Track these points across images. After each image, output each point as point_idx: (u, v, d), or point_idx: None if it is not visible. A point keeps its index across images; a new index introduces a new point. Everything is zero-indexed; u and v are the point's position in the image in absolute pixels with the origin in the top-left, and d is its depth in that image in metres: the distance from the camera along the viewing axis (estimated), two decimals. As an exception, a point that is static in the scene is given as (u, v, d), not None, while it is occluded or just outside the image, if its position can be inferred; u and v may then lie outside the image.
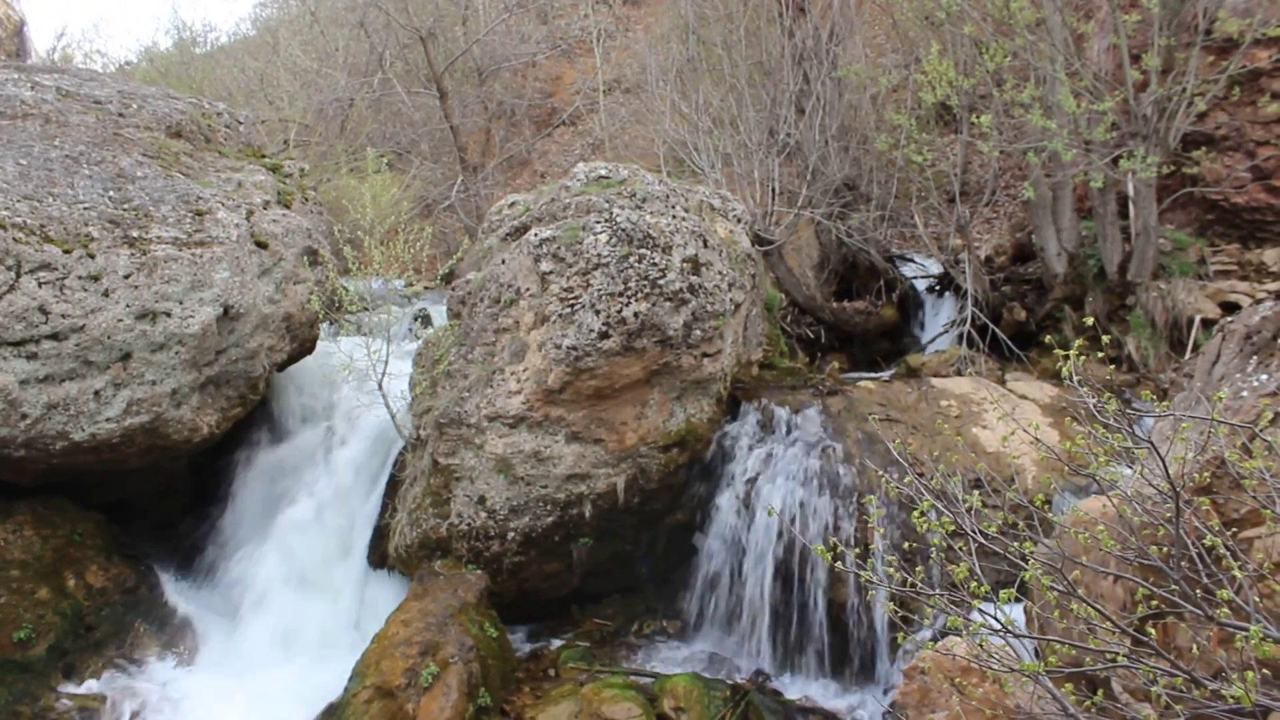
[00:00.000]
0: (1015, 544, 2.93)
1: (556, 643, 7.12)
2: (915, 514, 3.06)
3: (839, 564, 3.22)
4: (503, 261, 6.87)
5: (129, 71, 20.53)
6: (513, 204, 7.68)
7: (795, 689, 6.45)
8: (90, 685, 6.51)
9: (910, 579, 3.07)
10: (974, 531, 2.88)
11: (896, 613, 3.45)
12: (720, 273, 6.80)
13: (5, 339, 6.29)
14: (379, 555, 7.32)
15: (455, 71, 16.12)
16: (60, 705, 6.28)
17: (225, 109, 9.49)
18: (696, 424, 6.87)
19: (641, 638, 7.17)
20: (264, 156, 8.94)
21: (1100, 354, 7.15)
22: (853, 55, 10.81)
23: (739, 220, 7.87)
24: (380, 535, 7.34)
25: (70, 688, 6.46)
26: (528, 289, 6.60)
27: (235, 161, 8.34)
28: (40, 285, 6.35)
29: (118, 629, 6.93)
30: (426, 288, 9.82)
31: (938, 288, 10.68)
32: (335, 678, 6.27)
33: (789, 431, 7.03)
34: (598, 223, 6.57)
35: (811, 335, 10.49)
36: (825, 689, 6.49)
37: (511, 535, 6.72)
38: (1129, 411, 4.35)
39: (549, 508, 6.68)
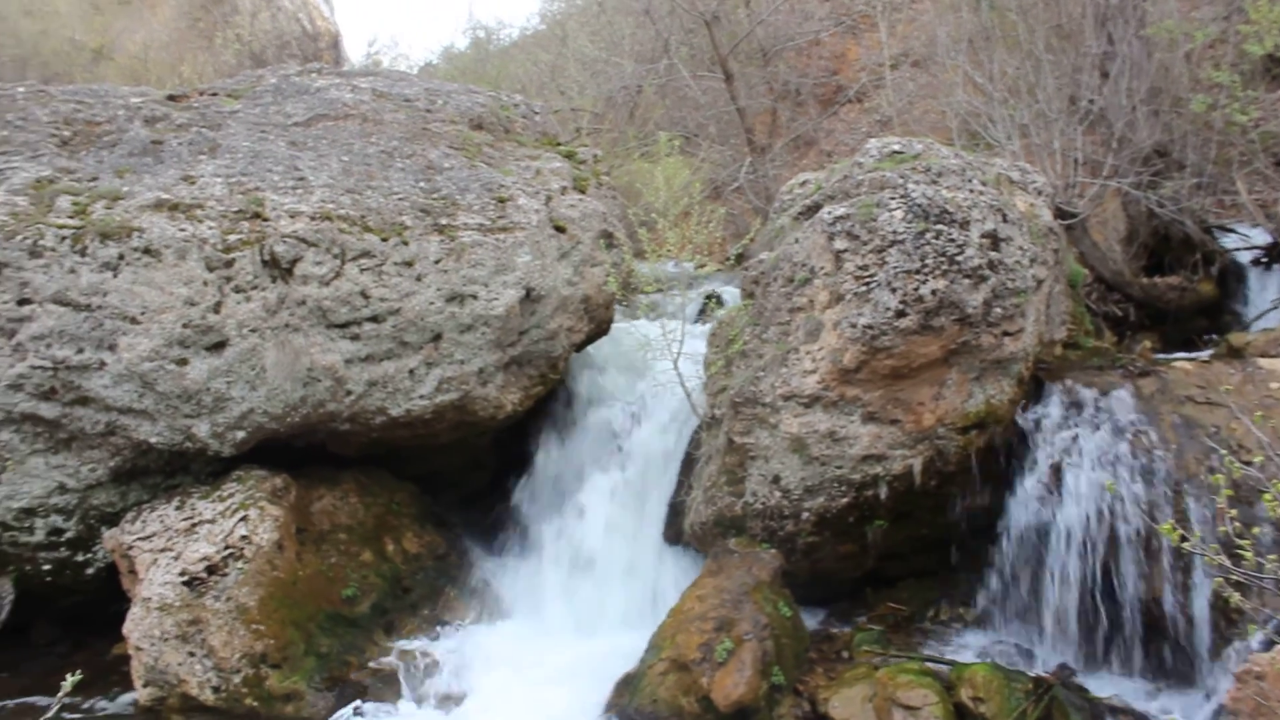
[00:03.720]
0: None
1: (849, 625, 7.03)
2: (1266, 497, 2.81)
3: (1185, 545, 3.00)
4: (795, 240, 6.83)
5: (431, 71, 21.77)
6: (804, 183, 7.62)
7: (1102, 687, 6.10)
8: (407, 643, 6.96)
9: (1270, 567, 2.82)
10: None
11: (1243, 603, 3.19)
12: (1021, 248, 6.52)
13: (333, 321, 6.82)
14: (674, 531, 7.46)
15: (739, 53, 16.15)
16: (382, 659, 6.75)
17: (522, 100, 9.89)
18: (996, 405, 6.61)
19: (937, 624, 6.98)
20: (559, 144, 9.25)
21: None
22: (1164, 10, 10.06)
23: (1039, 193, 7.50)
24: (675, 512, 7.47)
25: (391, 643, 6.93)
26: (822, 267, 6.53)
27: (533, 150, 8.68)
28: (362, 271, 6.84)
29: (430, 593, 7.38)
30: (717, 269, 9.92)
31: (1265, 260, 9.83)
32: (631, 648, 6.43)
33: (1096, 414, 6.64)
34: (892, 199, 6.42)
35: (1119, 313, 9.89)
36: (1136, 689, 6.10)
37: (805, 515, 6.69)
38: None
39: (844, 488, 6.59)
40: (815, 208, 7.01)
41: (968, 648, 6.65)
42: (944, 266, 6.13)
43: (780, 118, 16.71)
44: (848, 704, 5.99)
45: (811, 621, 7.00)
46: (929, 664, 6.27)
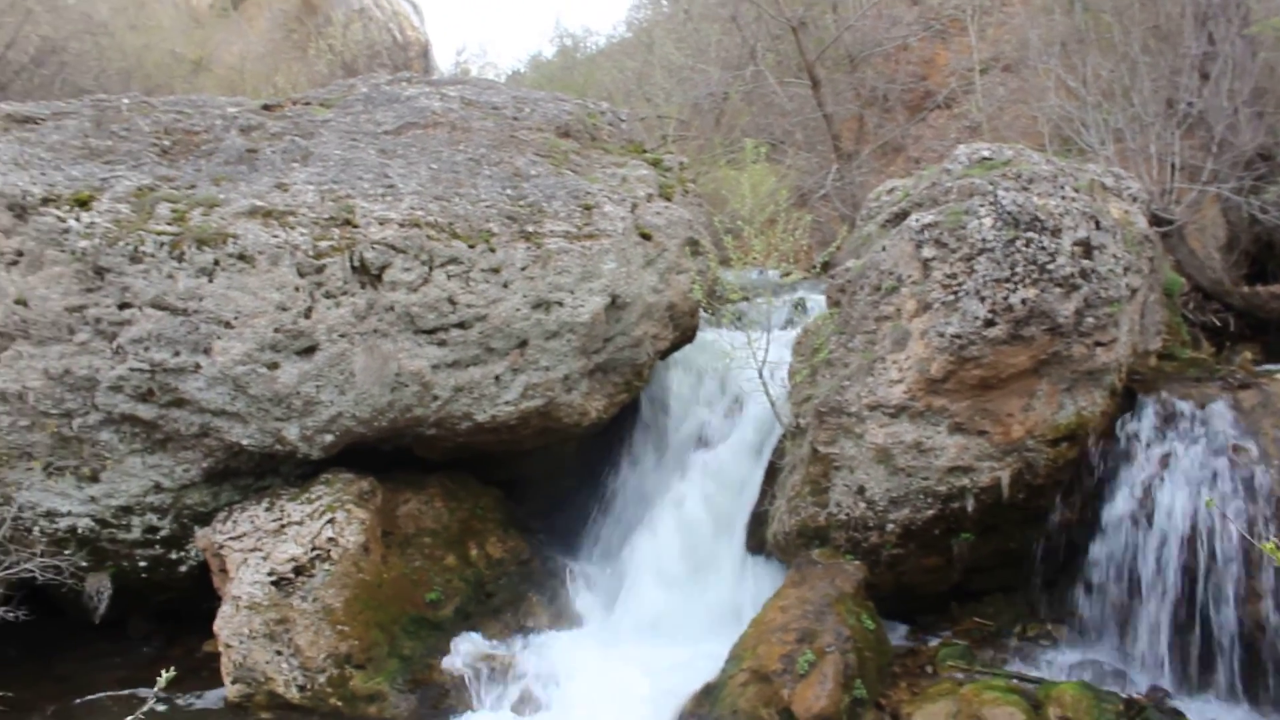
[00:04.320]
0: None
1: (933, 639, 6.92)
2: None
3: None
4: (883, 248, 6.75)
5: (518, 79, 21.97)
6: (891, 190, 7.54)
7: (1199, 711, 5.90)
8: (490, 647, 6.98)
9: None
10: None
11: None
12: (1114, 256, 6.37)
13: (420, 327, 6.90)
14: (756, 541, 7.41)
15: (827, 59, 16.00)
16: (464, 663, 6.76)
17: (608, 108, 9.92)
18: (1088, 417, 6.46)
19: (1024, 640, 6.83)
20: (645, 152, 9.26)
21: None
22: (1269, 7, 9.74)
23: (1134, 200, 7.33)
24: (758, 521, 7.42)
25: (473, 648, 6.93)
26: (909, 276, 6.45)
27: (619, 157, 8.70)
28: (449, 278, 6.91)
29: (512, 598, 7.42)
30: (803, 277, 9.86)
31: (1373, 269, 9.48)
32: (712, 658, 6.40)
33: (1193, 427, 6.45)
34: (981, 206, 6.33)
35: (1218, 323, 9.59)
36: (1234, 714, 5.91)
37: (890, 527, 6.61)
38: None
39: (929, 500, 6.50)
40: (903, 215, 6.93)
41: (1056, 666, 6.49)
42: (1034, 275, 6.02)
43: (867, 124, 16.54)
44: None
45: (895, 635, 6.91)
46: (1015, 681, 6.14)
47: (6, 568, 6.85)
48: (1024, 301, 6.00)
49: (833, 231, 11.22)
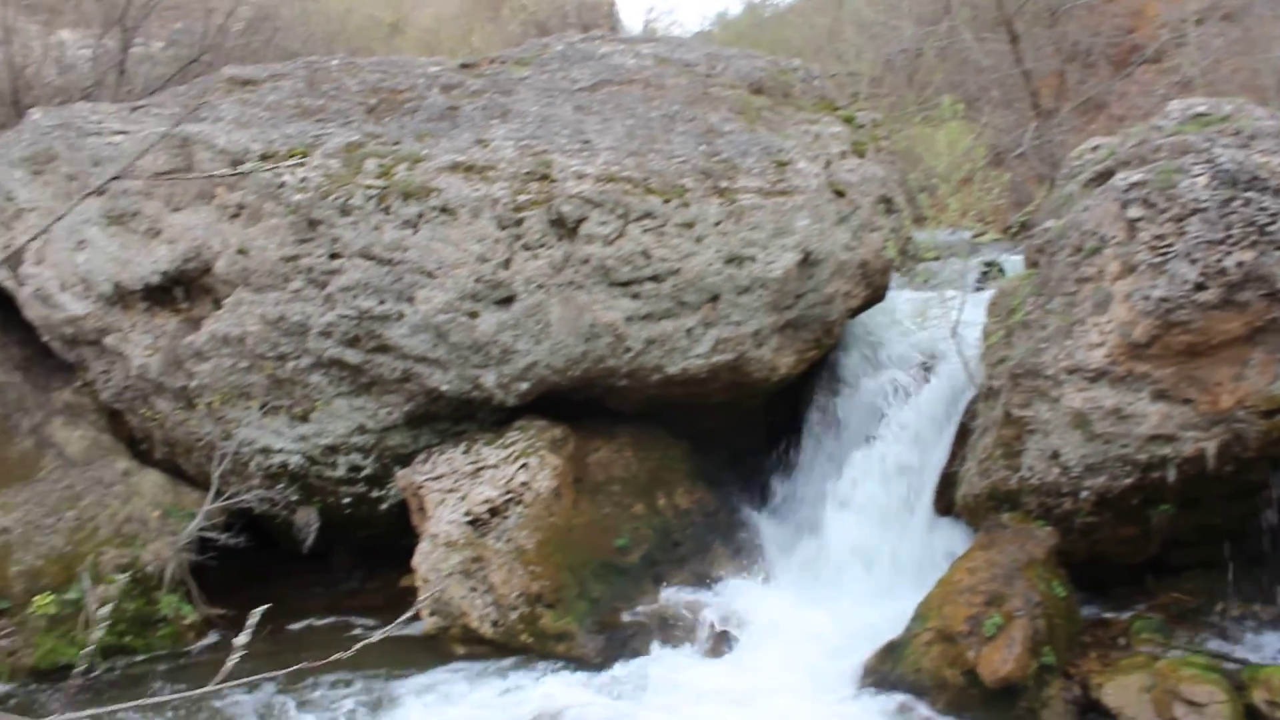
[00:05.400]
0: None
1: (1127, 612, 6.71)
2: None
3: None
4: (1085, 208, 6.54)
5: (706, 38, 21.92)
6: (1095, 147, 7.28)
7: None
8: (675, 594, 7.15)
9: None
10: None
11: None
12: (1346, 218, 6.00)
13: (614, 280, 7.05)
14: (944, 503, 7.31)
15: (1025, 13, 15.44)
16: (651, 608, 6.98)
17: (800, 65, 9.85)
18: (1308, 389, 6.13)
19: (1226, 619, 6.56)
20: (837, 109, 9.17)
21: None
22: None
23: (1373, 158, 6.87)
24: (946, 483, 7.31)
25: (659, 593, 7.13)
26: (1113, 236, 6.22)
27: (812, 114, 8.65)
28: (644, 232, 7.03)
29: (699, 547, 7.54)
30: (996, 238, 9.61)
31: None
32: (896, 616, 6.40)
33: None
34: (1194, 164, 6.05)
35: None
36: None
37: (1084, 494, 6.42)
38: None
39: (1127, 469, 6.28)
40: (1107, 174, 6.69)
41: (1261, 648, 6.25)
42: (1253, 237, 5.72)
43: (1068, 80, 15.90)
44: (1123, 692, 5.75)
45: (1084, 605, 6.72)
46: (1216, 660, 5.93)
47: (228, 498, 7.37)
48: (1239, 265, 5.71)
49: (1029, 192, 10.91)
